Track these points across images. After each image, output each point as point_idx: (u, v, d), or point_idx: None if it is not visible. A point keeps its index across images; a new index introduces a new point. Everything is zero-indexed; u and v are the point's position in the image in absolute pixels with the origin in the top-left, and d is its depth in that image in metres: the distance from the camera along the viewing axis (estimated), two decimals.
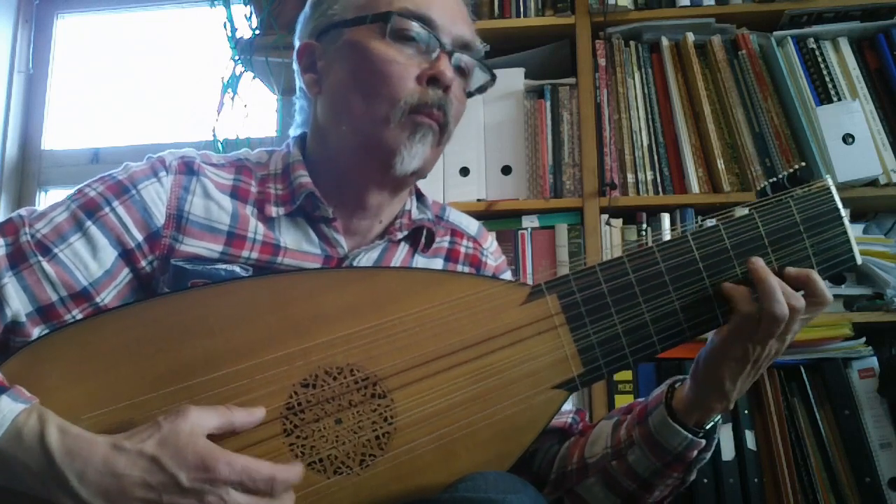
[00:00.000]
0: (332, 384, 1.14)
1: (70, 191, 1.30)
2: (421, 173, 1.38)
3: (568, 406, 1.48)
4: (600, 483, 1.34)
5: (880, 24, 2.50)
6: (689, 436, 1.26)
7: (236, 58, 2.82)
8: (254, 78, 2.87)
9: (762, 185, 1.32)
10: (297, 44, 1.46)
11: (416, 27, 1.33)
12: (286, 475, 1.05)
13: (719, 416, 1.30)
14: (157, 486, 0.98)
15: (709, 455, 1.32)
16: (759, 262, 1.23)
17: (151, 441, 1.00)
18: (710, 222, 1.27)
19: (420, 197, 1.53)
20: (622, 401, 2.32)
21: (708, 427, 1.29)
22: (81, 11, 3.50)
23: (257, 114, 3.04)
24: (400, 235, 1.43)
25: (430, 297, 1.19)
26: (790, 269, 1.24)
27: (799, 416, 2.24)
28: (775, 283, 1.20)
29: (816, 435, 2.22)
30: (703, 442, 1.28)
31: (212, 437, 1.03)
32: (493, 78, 1.46)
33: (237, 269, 1.30)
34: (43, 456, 0.97)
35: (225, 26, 2.85)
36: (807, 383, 2.24)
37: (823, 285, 1.23)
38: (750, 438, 2.20)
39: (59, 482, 0.97)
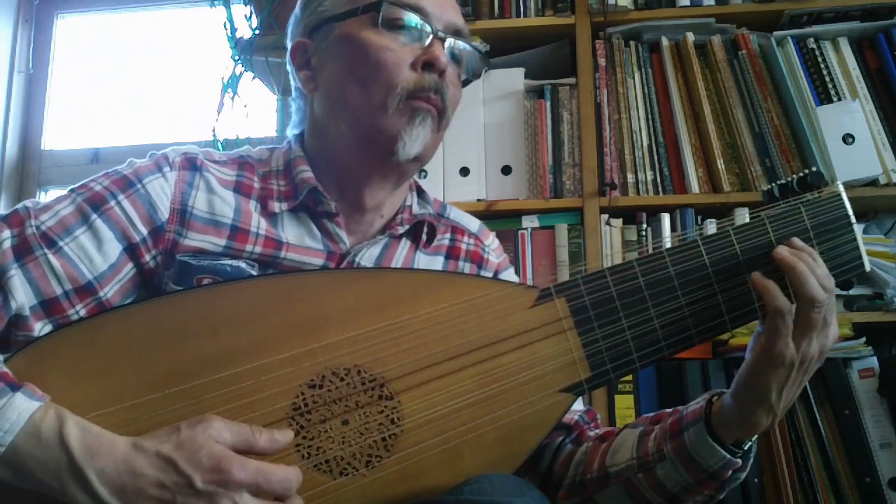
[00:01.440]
0: (339, 385, 1.14)
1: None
2: (422, 159, 1.37)
3: (577, 406, 1.47)
4: (623, 494, 1.32)
5: (880, 24, 2.51)
6: (728, 455, 1.23)
7: (236, 58, 2.82)
8: (254, 78, 2.88)
9: (769, 187, 1.32)
10: (289, 44, 1.46)
11: (407, 15, 1.33)
12: (299, 476, 1.07)
13: (756, 437, 1.27)
14: (171, 487, 0.99)
15: (744, 475, 1.28)
16: (783, 252, 1.21)
17: (169, 443, 1.01)
18: (712, 225, 1.27)
19: (421, 193, 1.53)
20: (622, 401, 2.32)
21: (746, 447, 1.26)
22: (81, 11, 3.50)
23: (257, 114, 3.05)
24: (401, 230, 1.43)
25: (438, 299, 1.19)
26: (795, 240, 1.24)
27: (799, 416, 2.24)
28: (805, 267, 1.18)
29: (816, 435, 2.22)
30: (740, 462, 1.25)
31: None
32: (487, 63, 1.46)
33: (242, 264, 1.30)
34: (62, 453, 0.98)
35: (225, 26, 2.86)
36: (807, 383, 2.23)
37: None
38: None
39: (77, 479, 0.98)
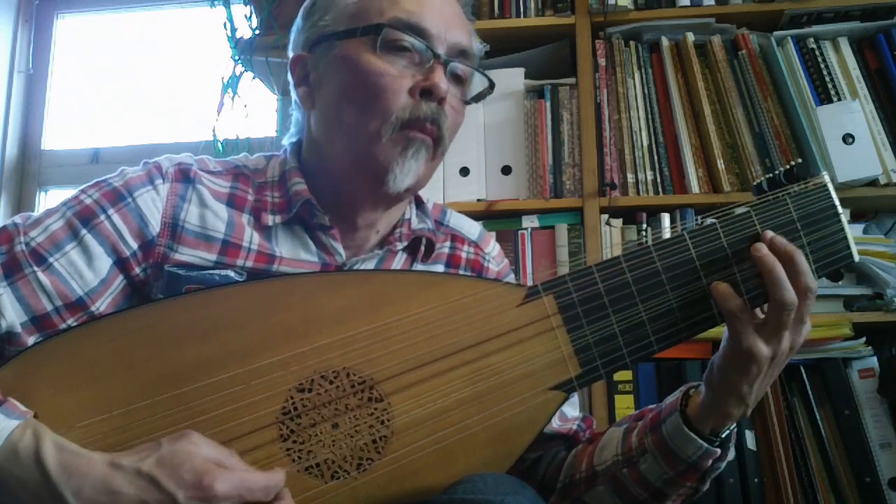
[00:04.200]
0: (328, 388, 1.14)
1: (71, 191, 1.29)
2: (415, 189, 1.36)
3: (574, 413, 1.48)
4: (610, 491, 1.33)
5: (880, 24, 2.50)
6: (704, 444, 1.24)
7: (236, 58, 2.82)
8: (254, 78, 2.87)
9: (758, 181, 1.32)
10: (290, 53, 1.45)
11: (408, 38, 1.30)
12: (277, 479, 1.06)
13: (734, 425, 1.28)
14: None
15: (724, 465, 1.29)
16: (763, 250, 1.20)
17: (150, 460, 1.00)
18: (708, 221, 1.27)
19: (420, 205, 1.51)
20: (622, 401, 2.32)
21: (723, 435, 1.27)
22: (81, 11, 3.50)
23: (257, 114, 3.04)
24: (399, 246, 1.42)
25: (427, 300, 1.19)
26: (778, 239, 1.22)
27: (799, 416, 2.24)
28: (781, 271, 1.18)
29: (816, 435, 2.22)
30: (719, 451, 1.26)
31: None
32: (492, 85, 1.43)
33: (231, 273, 1.29)
34: (39, 473, 0.97)
35: (225, 26, 2.85)
36: (807, 383, 2.24)
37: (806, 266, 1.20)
38: (750, 438, 2.20)
39: (55, 499, 0.97)
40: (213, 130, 2.83)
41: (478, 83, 1.42)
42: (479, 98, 1.44)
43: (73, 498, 0.97)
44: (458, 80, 1.37)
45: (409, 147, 1.29)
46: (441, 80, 1.30)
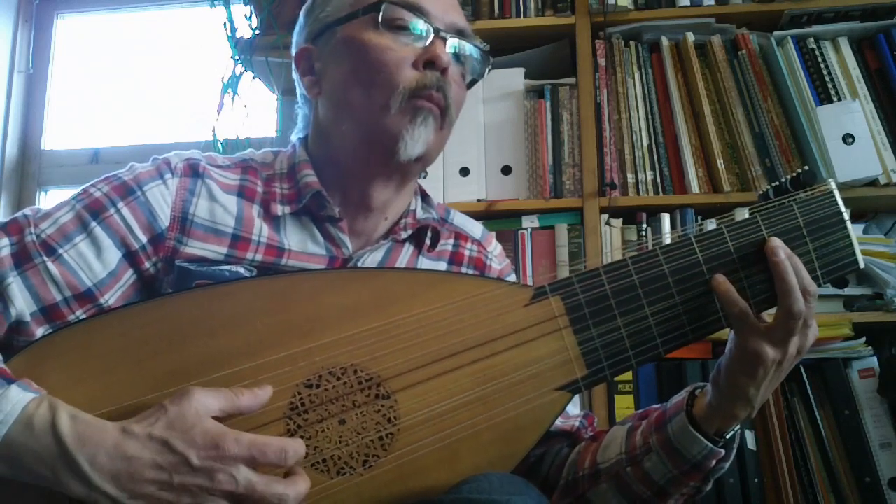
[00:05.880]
0: (335, 384, 1.14)
1: (71, 191, 1.30)
2: (426, 159, 1.37)
3: (575, 410, 1.48)
4: (613, 489, 1.33)
5: (880, 24, 2.51)
6: (710, 445, 1.25)
7: (236, 58, 2.82)
8: (254, 78, 2.87)
9: (764, 190, 1.32)
10: (293, 51, 1.47)
11: (407, 14, 1.34)
12: (296, 446, 1.06)
13: (738, 426, 1.29)
14: (167, 467, 0.99)
15: (727, 465, 1.30)
16: (780, 255, 1.21)
17: (160, 424, 1.01)
18: (712, 225, 1.27)
19: (425, 197, 1.53)
20: (622, 401, 2.32)
21: (728, 436, 1.28)
22: (81, 11, 3.50)
23: (257, 114, 3.05)
24: (404, 235, 1.43)
25: (434, 299, 1.19)
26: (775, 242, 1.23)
27: (799, 416, 2.24)
28: (794, 280, 1.19)
29: (816, 435, 2.22)
30: (723, 451, 1.27)
31: (218, 419, 1.04)
32: (489, 61, 1.46)
33: (241, 269, 1.30)
34: (54, 443, 0.98)
35: (225, 26, 2.85)
36: (807, 383, 2.24)
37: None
38: (750, 438, 2.20)
39: (70, 468, 0.97)
40: (213, 130, 2.83)
41: (476, 63, 1.45)
42: (479, 76, 1.48)
43: (89, 466, 0.97)
44: (458, 58, 1.40)
45: (418, 115, 1.32)
46: (442, 52, 1.34)
